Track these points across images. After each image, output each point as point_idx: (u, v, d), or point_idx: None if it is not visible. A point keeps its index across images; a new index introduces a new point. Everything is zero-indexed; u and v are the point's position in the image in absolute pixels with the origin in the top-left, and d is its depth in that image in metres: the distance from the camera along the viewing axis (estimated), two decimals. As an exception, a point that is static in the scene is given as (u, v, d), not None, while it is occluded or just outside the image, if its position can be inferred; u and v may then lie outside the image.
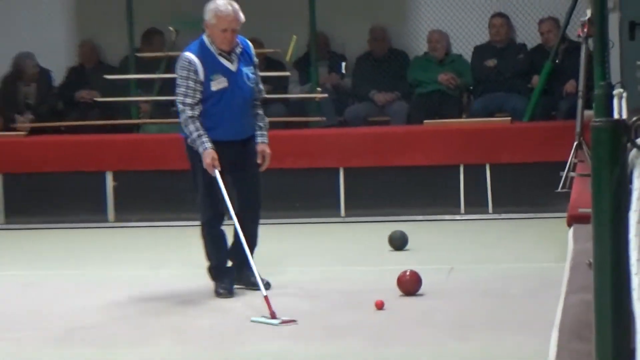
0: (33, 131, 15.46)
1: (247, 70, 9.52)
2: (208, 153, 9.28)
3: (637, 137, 3.55)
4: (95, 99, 15.50)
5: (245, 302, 9.23)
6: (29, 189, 14.58)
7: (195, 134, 9.37)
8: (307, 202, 13.76)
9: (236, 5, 9.42)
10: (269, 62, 15.38)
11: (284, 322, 8.36)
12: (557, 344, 5.99)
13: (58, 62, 16.50)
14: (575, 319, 6.30)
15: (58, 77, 16.50)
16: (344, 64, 15.86)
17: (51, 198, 14.30)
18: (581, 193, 9.64)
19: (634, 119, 6.59)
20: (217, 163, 9.33)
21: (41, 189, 14.47)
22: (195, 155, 9.54)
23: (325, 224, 13.64)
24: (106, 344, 8.00)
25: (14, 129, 15.57)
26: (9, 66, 16.07)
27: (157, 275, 9.97)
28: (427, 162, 13.90)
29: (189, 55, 9.48)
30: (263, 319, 8.43)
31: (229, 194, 9.58)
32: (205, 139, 9.37)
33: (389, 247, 11.41)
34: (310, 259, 11.15)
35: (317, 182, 13.95)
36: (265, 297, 8.67)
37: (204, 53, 9.48)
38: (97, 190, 13.73)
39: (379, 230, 11.95)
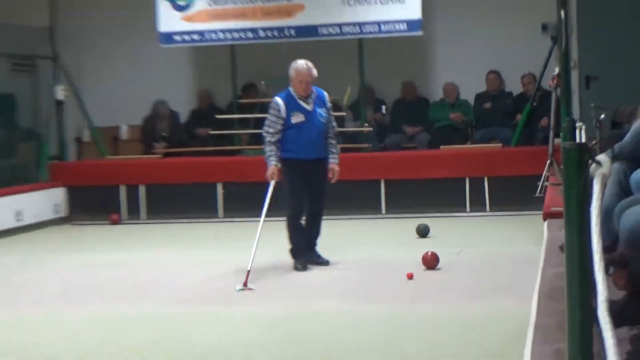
0: (166, 155, 15.57)
1: (321, 111, 9.79)
2: (271, 168, 9.68)
3: (594, 156, 3.65)
4: (210, 132, 15.52)
5: (314, 275, 9.51)
6: (163, 194, 14.67)
7: (268, 153, 9.78)
8: (358, 204, 13.79)
9: (310, 64, 9.77)
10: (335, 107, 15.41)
11: (247, 289, 8.86)
12: (537, 303, 6.08)
13: (183, 106, 16.56)
14: (550, 285, 6.38)
15: (183, 117, 16.52)
16: (384, 106, 15.82)
17: (178, 201, 14.44)
18: (552, 197, 9.66)
19: (592, 143, 6.64)
20: (275, 177, 9.71)
21: (171, 194, 14.59)
22: (285, 171, 9.79)
23: (371, 219, 13.72)
24: (225, 303, 8.34)
25: (153, 153, 15.66)
26: (149, 109, 16.08)
27: (254, 254, 10.10)
28: (442, 175, 13.92)
29: (277, 98, 9.84)
30: (239, 286, 8.88)
31: (304, 197, 9.86)
32: (273, 158, 9.72)
33: (416, 235, 11.44)
34: (360, 244, 11.24)
35: (365, 189, 13.96)
36: (248, 272, 9.06)
37: (288, 97, 9.78)
38: (211, 195, 13.84)
39: (409, 224, 11.96)
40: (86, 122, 16.09)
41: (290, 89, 9.82)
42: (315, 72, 9.81)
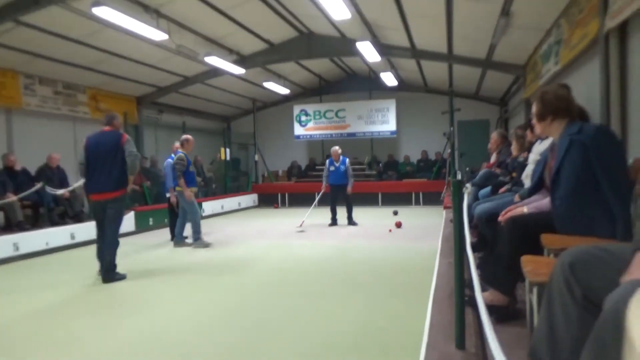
0: (296, 181, 15.41)
1: (341, 166, 9.60)
2: (323, 187, 9.73)
3: (465, 184, 3.53)
4: (312, 173, 15.33)
5: (350, 229, 9.08)
6: (295, 197, 14.56)
7: (323, 181, 9.74)
8: (369, 202, 13.60)
9: (338, 148, 9.79)
10: (360, 164, 15.20)
11: (300, 230, 8.97)
12: (440, 242, 5.94)
13: (303, 163, 16.34)
14: (446, 235, 6.28)
15: (303, 167, 16.26)
16: (381, 164, 15.54)
17: (300, 199, 14.13)
18: (447, 200, 9.44)
19: (465, 179, 6.33)
20: (323, 190, 9.75)
21: (298, 197, 14.44)
22: (330, 189, 9.73)
23: (374, 208, 13.31)
24: (315, 238, 7.99)
25: (291, 181, 15.56)
26: (289, 164, 16.00)
27: (322, 219, 9.88)
28: (404, 190, 13.72)
29: (327, 161, 9.80)
30: (297, 228, 9.11)
31: (335, 199, 9.71)
32: (323, 183, 9.72)
33: (392, 214, 11.09)
34: (369, 217, 10.86)
35: (372, 196, 13.81)
36: (302, 221, 9.44)
37: (330, 160, 9.69)
38: (311, 198, 13.22)
39: (389, 210, 11.66)
40: (266, 168, 16.16)
41: (332, 157, 9.71)
42: (340, 151, 9.77)
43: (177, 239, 7.76)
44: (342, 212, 9.86)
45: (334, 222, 9.75)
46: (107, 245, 5.35)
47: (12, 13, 7.20)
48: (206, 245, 7.53)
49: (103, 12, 7.03)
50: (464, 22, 8.10)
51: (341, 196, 9.67)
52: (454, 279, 2.55)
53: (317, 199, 10.31)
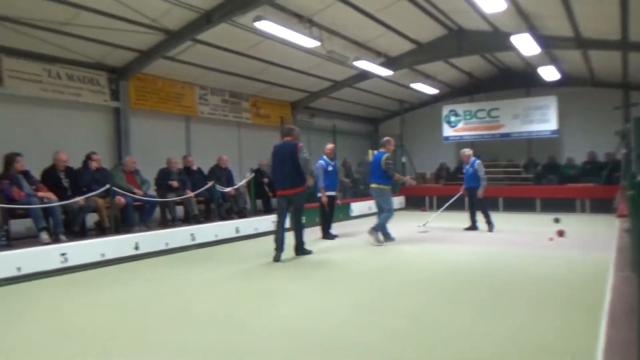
0: (444, 185, 14.69)
1: (470, 169, 8.92)
2: (462, 190, 9.24)
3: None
4: (459, 176, 14.65)
5: (502, 236, 8.24)
6: (442, 200, 13.65)
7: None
8: (525, 207, 12.46)
9: (466, 149, 9.24)
10: (516, 167, 14.08)
11: (423, 231, 8.70)
12: (616, 254, 5.28)
13: (452, 165, 15.72)
14: (622, 247, 5.54)
15: (451, 169, 15.73)
16: (539, 166, 14.04)
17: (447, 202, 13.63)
18: (621, 207, 8.28)
19: None
20: (463, 193, 9.31)
21: (444, 200, 13.46)
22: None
23: (530, 214, 12.17)
24: (453, 243, 7.51)
25: (439, 184, 14.95)
26: (437, 167, 15.46)
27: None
28: (567, 196, 12.44)
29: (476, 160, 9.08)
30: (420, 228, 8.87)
31: (472, 204, 9.04)
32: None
33: (552, 222, 9.71)
34: (523, 225, 9.93)
35: (528, 201, 12.62)
36: (427, 221, 8.78)
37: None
38: (460, 201, 12.05)
39: (549, 217, 10.46)
40: (413, 170, 15.98)
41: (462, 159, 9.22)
42: (468, 152, 9.09)
43: (376, 229, 7.66)
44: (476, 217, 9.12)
45: (471, 226, 9.02)
46: (295, 229, 6.61)
47: (190, 32, 8.24)
48: (380, 242, 7.59)
49: (264, 25, 7.67)
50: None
51: (473, 200, 8.94)
52: (638, 295, 2.18)
53: (450, 201, 9.72)
